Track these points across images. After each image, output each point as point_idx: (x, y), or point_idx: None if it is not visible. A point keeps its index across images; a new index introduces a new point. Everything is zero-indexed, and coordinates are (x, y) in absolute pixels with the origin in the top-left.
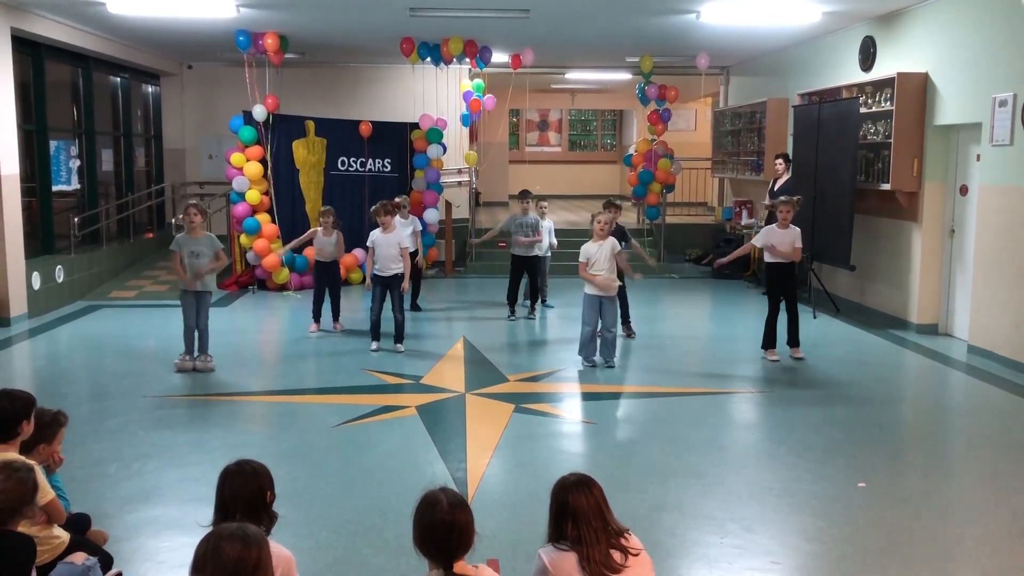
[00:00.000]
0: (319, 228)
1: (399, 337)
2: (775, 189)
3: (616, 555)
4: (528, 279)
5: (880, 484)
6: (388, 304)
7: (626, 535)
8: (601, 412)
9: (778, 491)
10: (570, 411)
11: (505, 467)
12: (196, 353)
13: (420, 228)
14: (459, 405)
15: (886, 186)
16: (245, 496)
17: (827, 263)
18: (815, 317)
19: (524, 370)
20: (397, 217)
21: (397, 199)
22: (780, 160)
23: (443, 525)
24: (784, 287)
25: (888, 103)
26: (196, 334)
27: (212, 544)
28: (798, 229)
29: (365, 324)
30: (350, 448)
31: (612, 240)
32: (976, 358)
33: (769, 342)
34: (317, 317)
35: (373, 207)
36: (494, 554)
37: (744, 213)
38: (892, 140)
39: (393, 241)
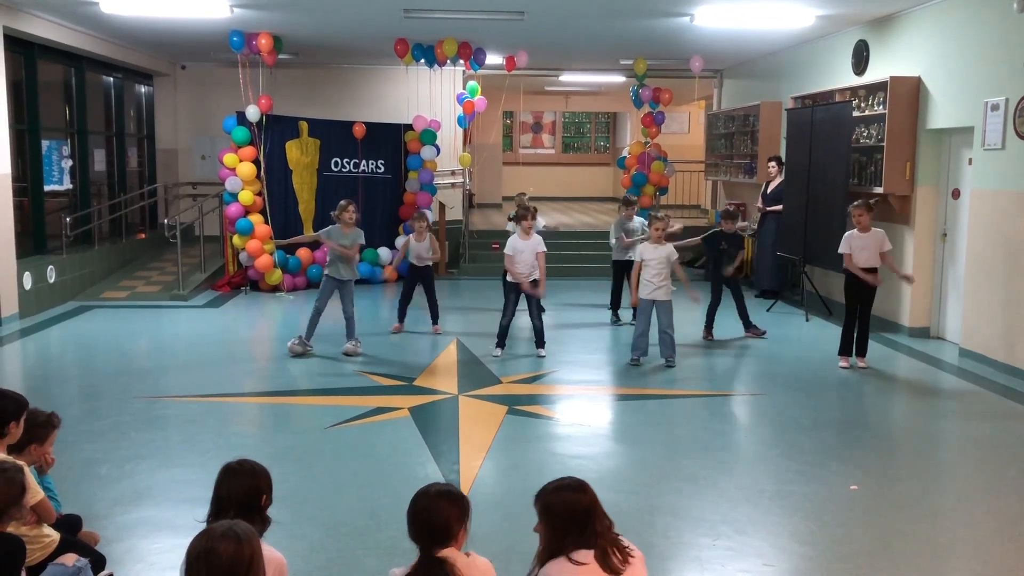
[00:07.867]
0: (411, 235)
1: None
2: (768, 192)
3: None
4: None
5: (872, 487)
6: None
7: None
8: (594, 414)
9: (770, 493)
10: (563, 413)
11: (498, 469)
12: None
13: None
14: (452, 407)
15: (879, 189)
16: (240, 495)
17: (819, 266)
18: (807, 320)
19: (517, 372)
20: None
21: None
22: (773, 163)
23: (423, 511)
24: (862, 295)
25: (881, 107)
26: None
27: (205, 545)
28: (882, 231)
29: (359, 327)
30: (343, 450)
31: (670, 247)
32: (967, 361)
33: (846, 349)
34: (402, 317)
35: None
36: (487, 556)
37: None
38: (885, 144)
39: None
